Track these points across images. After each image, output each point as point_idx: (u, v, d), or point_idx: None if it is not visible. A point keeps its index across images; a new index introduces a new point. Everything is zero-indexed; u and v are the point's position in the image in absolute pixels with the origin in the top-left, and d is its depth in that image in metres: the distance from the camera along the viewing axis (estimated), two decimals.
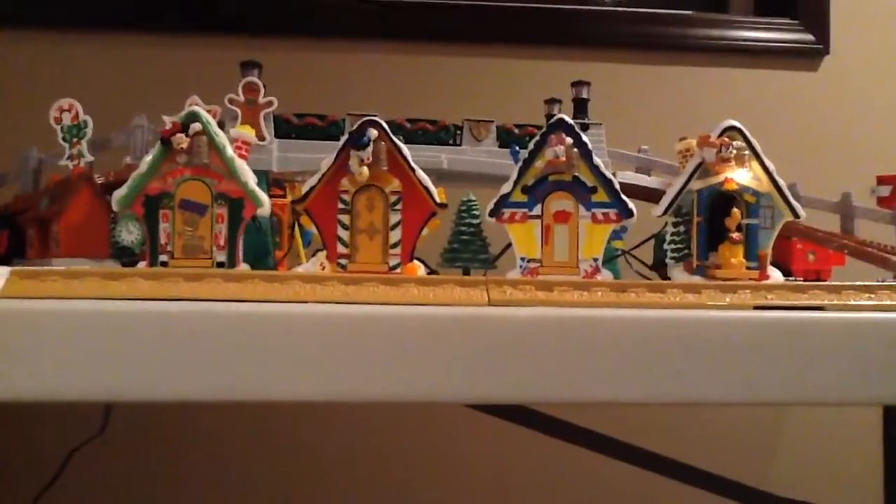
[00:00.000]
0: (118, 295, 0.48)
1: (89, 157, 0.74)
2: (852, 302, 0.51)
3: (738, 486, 1.01)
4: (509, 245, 0.65)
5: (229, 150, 0.62)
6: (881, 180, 1.01)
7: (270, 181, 0.79)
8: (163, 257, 0.61)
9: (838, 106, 1.48)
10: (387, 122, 0.82)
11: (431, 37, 1.40)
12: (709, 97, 1.44)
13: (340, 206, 0.63)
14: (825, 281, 1.13)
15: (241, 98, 0.76)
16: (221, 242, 0.62)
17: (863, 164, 1.20)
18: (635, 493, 1.36)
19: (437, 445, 1.38)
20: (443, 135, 0.82)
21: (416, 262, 0.62)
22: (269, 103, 0.76)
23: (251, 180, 0.62)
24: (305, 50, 1.38)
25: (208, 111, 0.67)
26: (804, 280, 1.10)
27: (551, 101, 0.91)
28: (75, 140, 0.74)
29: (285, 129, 0.79)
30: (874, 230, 0.94)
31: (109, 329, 0.46)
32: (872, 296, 0.52)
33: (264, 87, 0.78)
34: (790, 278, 1.06)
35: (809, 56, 1.48)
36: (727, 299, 0.52)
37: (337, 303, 0.49)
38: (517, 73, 1.41)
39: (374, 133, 0.62)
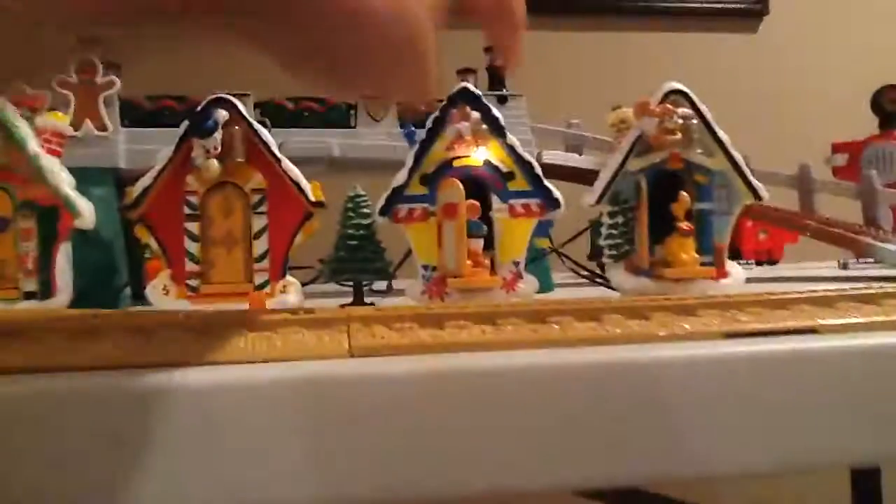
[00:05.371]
0: None
1: None
2: (854, 320, 0.39)
3: None
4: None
5: (32, 145, 0.47)
6: (836, 148, 0.92)
7: (121, 181, 0.64)
8: None
9: (780, 69, 1.39)
10: (263, 103, 0.68)
11: None
12: (643, 63, 1.33)
13: (187, 210, 0.48)
14: (777, 261, 1.04)
15: (75, 80, 0.62)
16: (30, 266, 0.47)
17: (811, 130, 1.11)
18: None
19: None
20: (333, 115, 0.68)
21: (288, 278, 0.49)
22: (110, 84, 0.62)
23: (64, 183, 0.48)
24: None
25: (31, 100, 0.53)
26: (756, 262, 1.01)
27: (464, 72, 0.78)
28: None
29: (136, 115, 0.65)
30: (829, 203, 0.84)
31: None
32: (877, 308, 0.40)
33: (110, 66, 0.63)
34: (741, 261, 0.97)
35: (748, 17, 1.38)
36: (686, 326, 0.39)
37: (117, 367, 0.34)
38: None
39: (222, 115, 0.47)
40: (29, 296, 0.47)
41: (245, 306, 0.45)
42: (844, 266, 0.88)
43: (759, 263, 1.00)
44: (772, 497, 1.29)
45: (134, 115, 0.65)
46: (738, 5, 1.36)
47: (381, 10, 0.27)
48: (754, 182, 0.52)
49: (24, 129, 0.48)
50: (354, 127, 0.68)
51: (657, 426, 0.34)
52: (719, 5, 1.36)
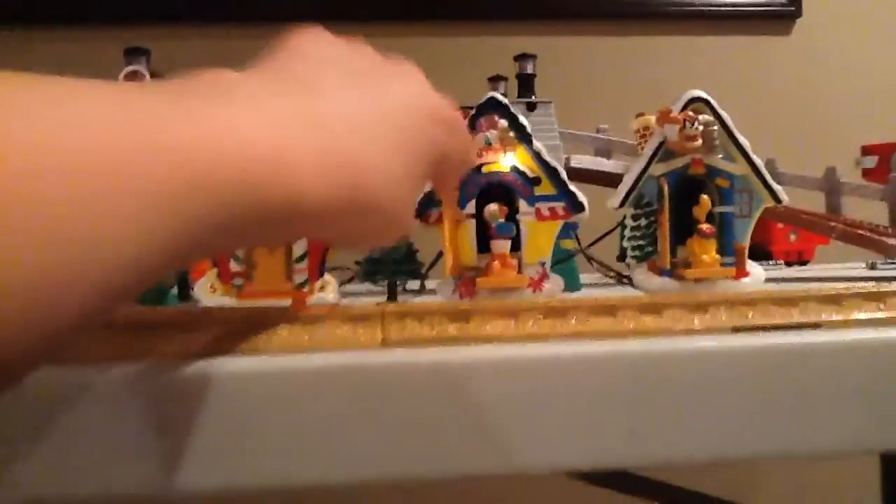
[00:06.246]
0: None
1: None
2: (858, 316, 0.41)
3: None
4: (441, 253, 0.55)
5: None
6: (867, 150, 0.92)
7: None
8: None
9: (813, 72, 1.39)
10: None
11: (364, 17, 1.29)
12: (673, 69, 1.34)
13: None
14: (808, 262, 1.04)
15: None
16: None
17: (843, 133, 1.11)
18: None
19: None
20: None
21: (326, 277, 0.52)
22: None
23: None
24: (205, 38, 1.26)
25: None
26: (786, 263, 1.02)
27: (495, 80, 0.81)
28: None
29: None
30: (859, 205, 0.85)
31: None
32: (882, 305, 0.42)
33: (155, 76, 0.67)
34: (771, 262, 0.98)
35: (781, 19, 1.39)
36: (696, 321, 0.41)
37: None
38: (459, 53, 1.29)
39: None
40: None
41: (287, 303, 0.49)
42: (873, 266, 0.89)
43: (789, 264, 1.00)
44: (801, 486, 1.30)
45: None
46: (771, 7, 1.37)
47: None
48: (774, 185, 0.54)
49: None
50: None
51: (667, 413, 0.36)
52: (752, 8, 1.36)
